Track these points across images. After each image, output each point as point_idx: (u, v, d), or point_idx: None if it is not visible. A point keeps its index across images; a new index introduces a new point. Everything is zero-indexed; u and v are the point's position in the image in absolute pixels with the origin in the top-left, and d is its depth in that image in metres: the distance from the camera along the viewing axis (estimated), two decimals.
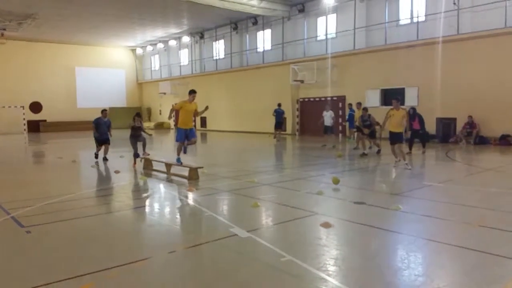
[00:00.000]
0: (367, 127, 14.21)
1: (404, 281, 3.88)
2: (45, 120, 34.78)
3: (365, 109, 14.64)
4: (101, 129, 13.05)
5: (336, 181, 8.60)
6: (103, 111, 13.46)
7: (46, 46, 34.76)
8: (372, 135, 14.48)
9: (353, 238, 5.29)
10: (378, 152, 14.15)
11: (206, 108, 10.46)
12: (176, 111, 10.58)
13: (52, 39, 33.88)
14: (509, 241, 5.01)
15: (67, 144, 22.69)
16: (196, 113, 10.27)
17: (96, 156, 13.22)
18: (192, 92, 10.23)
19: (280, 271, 4.15)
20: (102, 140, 13.16)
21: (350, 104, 19.38)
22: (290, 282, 3.91)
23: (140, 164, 11.69)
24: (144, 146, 12.02)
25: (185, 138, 10.26)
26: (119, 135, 12.73)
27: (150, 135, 13.36)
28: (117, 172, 10.96)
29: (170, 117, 10.85)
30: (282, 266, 4.24)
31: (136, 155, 11.97)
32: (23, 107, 31.79)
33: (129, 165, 11.84)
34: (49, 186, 9.38)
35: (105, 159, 13.09)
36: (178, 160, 10.34)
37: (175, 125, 10.59)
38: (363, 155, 13.60)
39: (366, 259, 4.51)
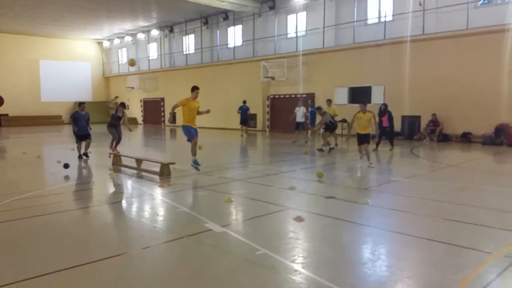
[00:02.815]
0: (313, 125, 14.40)
1: (375, 272, 4.04)
2: (7, 115, 33.43)
3: (319, 108, 14.90)
4: (80, 123, 12.14)
5: (320, 175, 8.97)
6: (81, 104, 12.49)
7: (8, 37, 33.34)
8: (327, 128, 14.45)
9: (324, 231, 5.43)
10: (320, 150, 14.23)
11: (208, 111, 9.97)
12: (176, 107, 9.99)
13: (15, 30, 32.55)
14: (472, 233, 5.28)
15: (31, 139, 21.95)
16: (198, 112, 9.77)
17: (80, 156, 12.24)
18: (195, 89, 9.59)
19: (256, 264, 4.23)
20: (83, 136, 12.26)
21: (313, 103, 19.57)
22: (265, 274, 4.00)
23: (109, 160, 11.48)
24: (118, 142, 11.74)
25: (195, 135, 9.68)
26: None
27: (131, 130, 12.86)
28: (85, 167, 10.74)
29: (170, 113, 10.28)
30: (257, 259, 4.32)
31: (113, 140, 11.71)
32: None
33: (99, 161, 11.61)
34: (15, 182, 9.07)
35: (85, 155, 12.32)
36: (195, 162, 9.72)
37: (170, 121, 10.27)
38: (330, 150, 13.96)
39: (337, 251, 4.66)
